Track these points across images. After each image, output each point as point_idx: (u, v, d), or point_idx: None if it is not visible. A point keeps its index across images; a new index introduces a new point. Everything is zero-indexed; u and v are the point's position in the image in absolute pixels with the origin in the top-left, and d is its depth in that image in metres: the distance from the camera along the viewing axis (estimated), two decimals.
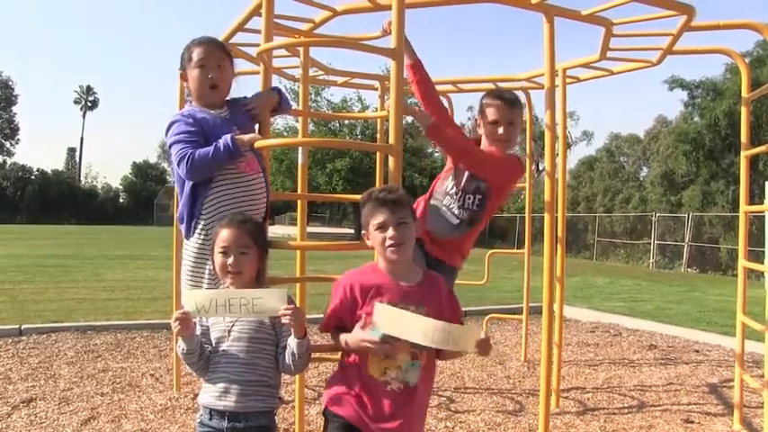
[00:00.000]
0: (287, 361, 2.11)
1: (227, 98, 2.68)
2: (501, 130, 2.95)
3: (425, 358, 2.09)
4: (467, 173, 2.96)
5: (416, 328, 1.96)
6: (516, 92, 4.84)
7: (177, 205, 2.67)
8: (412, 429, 2.09)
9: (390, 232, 2.05)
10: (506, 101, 2.99)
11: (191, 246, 2.53)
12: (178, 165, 2.42)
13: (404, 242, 2.06)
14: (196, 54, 2.57)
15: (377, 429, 2.04)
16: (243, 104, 2.67)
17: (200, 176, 2.46)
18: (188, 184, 2.50)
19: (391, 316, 1.98)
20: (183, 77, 2.66)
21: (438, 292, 2.15)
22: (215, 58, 2.58)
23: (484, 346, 1.98)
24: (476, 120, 3.15)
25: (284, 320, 2.03)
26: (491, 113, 2.97)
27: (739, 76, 4.18)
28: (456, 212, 2.96)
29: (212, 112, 2.58)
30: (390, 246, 2.05)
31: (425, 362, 2.09)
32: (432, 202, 3.08)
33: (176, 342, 2.17)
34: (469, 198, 2.95)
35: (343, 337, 2.10)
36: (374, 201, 2.09)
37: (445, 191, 3.02)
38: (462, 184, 2.96)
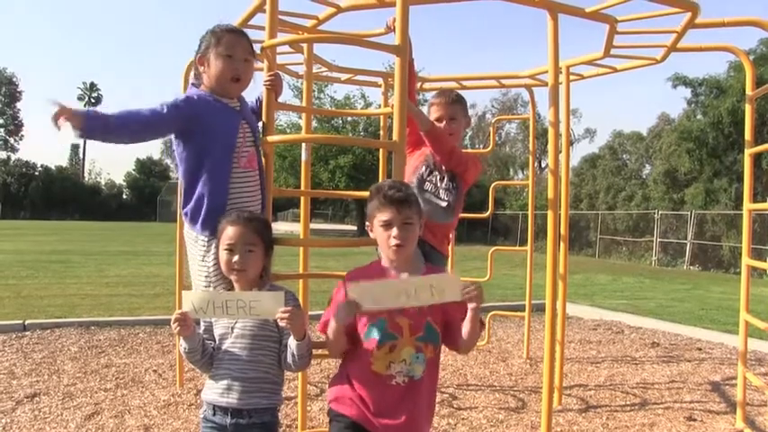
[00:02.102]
0: (288, 360, 2.12)
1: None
2: (444, 125, 3.23)
3: (430, 351, 2.08)
4: (444, 166, 3.22)
5: (396, 292, 1.95)
6: (519, 89, 4.91)
7: (181, 199, 2.59)
8: (419, 424, 2.09)
9: (395, 231, 2.05)
10: (447, 98, 3.31)
11: (199, 243, 2.49)
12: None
13: (406, 243, 2.06)
14: (225, 43, 2.46)
15: (381, 425, 2.03)
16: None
17: (127, 132, 2.34)
18: (201, 178, 2.42)
19: (368, 291, 1.96)
20: (201, 62, 2.52)
21: None
22: (243, 51, 2.49)
23: (471, 291, 1.93)
24: None
25: (282, 324, 2.02)
26: (434, 111, 3.28)
27: (743, 74, 4.16)
28: (443, 196, 3.17)
29: (225, 100, 2.51)
30: (393, 245, 2.06)
31: (430, 355, 2.09)
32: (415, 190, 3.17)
33: (179, 340, 2.17)
34: (449, 184, 3.20)
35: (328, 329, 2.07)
36: (382, 197, 2.08)
37: (424, 178, 3.22)
38: (443, 172, 3.21)
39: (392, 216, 2.06)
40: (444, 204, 3.15)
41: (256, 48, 2.89)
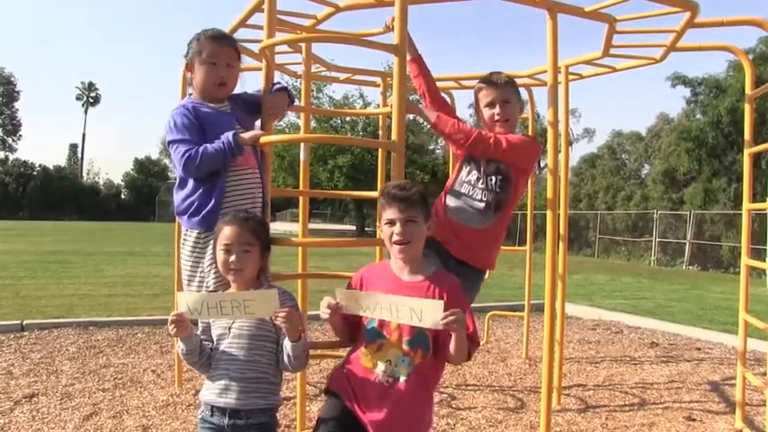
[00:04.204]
0: (285, 360, 2.13)
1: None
2: (498, 110, 2.88)
3: (419, 357, 2.09)
4: (483, 158, 2.86)
5: (377, 304, 2.00)
6: (519, 89, 4.84)
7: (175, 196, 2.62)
8: (403, 425, 2.08)
9: (397, 228, 2.09)
10: (497, 81, 2.94)
11: (190, 239, 2.50)
12: (180, 164, 2.40)
13: (410, 240, 2.09)
14: (207, 51, 2.52)
15: (365, 419, 2.06)
16: (249, 100, 2.67)
17: (198, 174, 2.44)
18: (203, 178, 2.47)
19: (353, 297, 2.06)
20: (189, 68, 2.61)
21: (442, 291, 2.12)
22: (226, 56, 2.55)
23: (450, 324, 1.91)
24: (477, 113, 3.05)
25: (277, 322, 2.03)
26: (484, 96, 2.93)
27: (742, 73, 4.16)
28: (480, 197, 2.80)
29: (214, 105, 2.56)
30: (395, 242, 2.10)
31: (419, 360, 2.08)
32: (449, 196, 2.93)
33: (177, 342, 2.17)
34: (491, 179, 2.81)
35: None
36: (386, 196, 2.12)
37: (462, 180, 2.88)
38: (482, 168, 2.83)
39: (395, 214, 2.09)
40: (481, 206, 2.78)
41: (254, 47, 2.90)
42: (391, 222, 2.10)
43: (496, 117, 2.89)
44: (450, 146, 3.06)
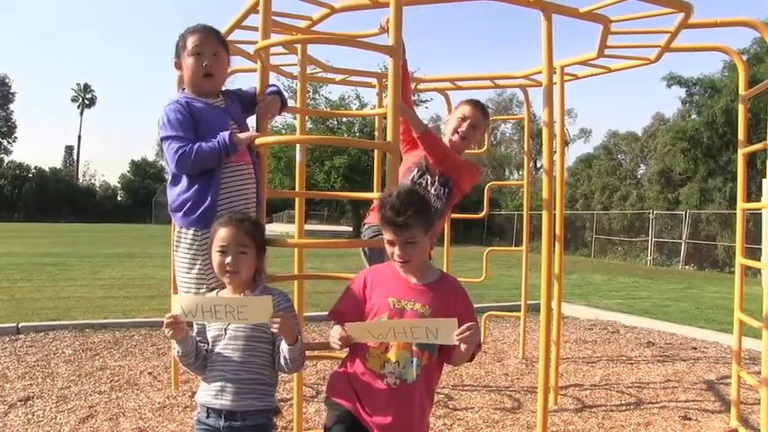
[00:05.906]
0: (281, 362, 2.12)
1: (222, 89, 2.66)
2: (464, 127, 3.35)
3: (426, 358, 2.09)
4: (437, 170, 3.26)
5: (389, 330, 2.01)
6: (514, 89, 4.98)
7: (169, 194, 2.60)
8: (409, 427, 2.09)
9: (397, 251, 2.10)
10: (482, 108, 3.45)
11: (187, 238, 2.49)
12: (173, 160, 2.39)
13: (410, 259, 2.10)
14: (191, 42, 2.52)
15: (371, 422, 2.05)
16: (244, 97, 2.67)
17: (191, 172, 2.43)
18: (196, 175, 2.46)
19: (362, 327, 2.04)
20: (178, 66, 2.61)
21: (449, 295, 2.14)
22: (210, 46, 2.54)
23: (466, 339, 1.94)
24: (455, 120, 3.46)
25: (273, 329, 2.02)
26: (464, 110, 3.40)
27: (737, 74, 4.18)
28: (430, 201, 3.13)
29: (207, 100, 2.55)
30: (396, 260, 2.12)
31: (426, 362, 2.09)
32: None
33: (173, 344, 2.17)
34: (440, 189, 3.23)
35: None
36: (382, 218, 2.10)
37: (414, 181, 3.24)
38: (436, 177, 3.24)
39: (392, 237, 2.09)
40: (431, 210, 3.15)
41: (250, 49, 2.90)
42: (391, 243, 2.11)
43: (459, 131, 3.38)
44: (404, 146, 3.39)
